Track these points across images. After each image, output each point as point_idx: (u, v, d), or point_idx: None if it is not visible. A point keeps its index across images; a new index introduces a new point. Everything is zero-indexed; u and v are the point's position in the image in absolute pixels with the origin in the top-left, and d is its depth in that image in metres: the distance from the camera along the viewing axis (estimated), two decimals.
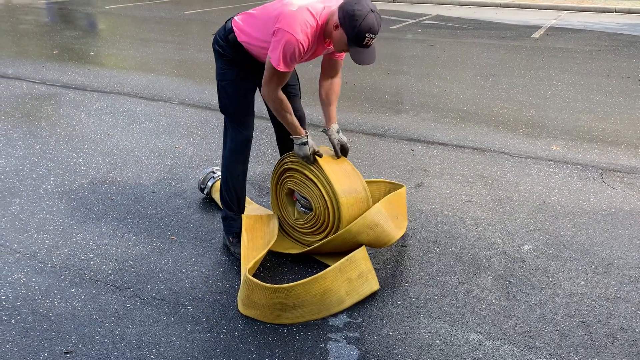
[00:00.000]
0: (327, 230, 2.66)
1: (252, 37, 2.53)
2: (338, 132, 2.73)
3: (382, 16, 2.67)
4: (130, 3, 13.07)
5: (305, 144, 2.58)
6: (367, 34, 2.24)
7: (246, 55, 2.59)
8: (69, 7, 12.30)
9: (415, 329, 2.27)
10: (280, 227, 2.92)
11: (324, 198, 2.61)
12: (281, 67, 2.37)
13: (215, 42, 2.66)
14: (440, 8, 12.88)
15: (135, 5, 12.69)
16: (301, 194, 2.75)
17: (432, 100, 5.53)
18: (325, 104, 2.74)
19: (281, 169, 2.81)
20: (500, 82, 6.27)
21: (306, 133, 2.60)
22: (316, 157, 2.62)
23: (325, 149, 2.75)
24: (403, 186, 2.92)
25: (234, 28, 2.57)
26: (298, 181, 2.74)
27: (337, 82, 2.74)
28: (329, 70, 2.71)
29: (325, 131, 2.74)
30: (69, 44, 8.07)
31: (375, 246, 2.67)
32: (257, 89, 2.80)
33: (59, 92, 5.61)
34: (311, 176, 2.65)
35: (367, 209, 2.64)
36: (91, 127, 4.60)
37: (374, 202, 3.05)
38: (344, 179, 2.63)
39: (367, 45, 2.29)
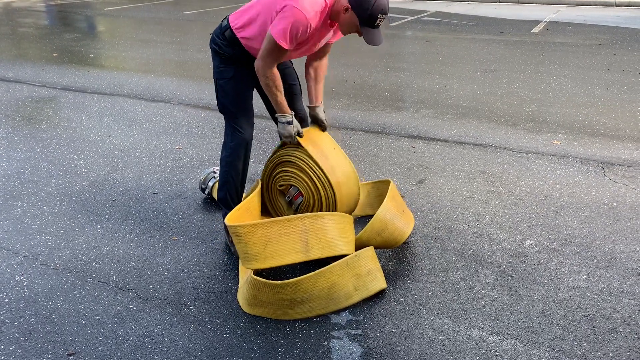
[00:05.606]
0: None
1: (249, 32, 2.50)
2: (324, 112, 2.79)
3: None
4: (129, 4, 13.07)
5: (290, 122, 2.59)
6: (379, 15, 2.32)
7: (243, 52, 2.58)
8: (68, 10, 12.31)
9: (418, 326, 2.27)
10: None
11: (315, 182, 2.62)
12: (283, 43, 2.35)
13: (212, 41, 2.66)
14: (439, 4, 12.86)
15: (134, 7, 12.69)
16: (291, 185, 2.73)
17: (433, 97, 5.52)
18: (314, 81, 2.76)
19: (271, 165, 2.79)
20: (500, 77, 6.25)
21: (292, 112, 2.62)
22: (297, 137, 2.64)
23: (306, 129, 2.77)
24: (389, 180, 2.92)
25: (231, 24, 2.56)
26: (288, 175, 2.72)
27: (325, 62, 2.79)
28: (319, 52, 2.71)
29: (313, 108, 2.76)
30: (69, 47, 8.08)
31: (385, 248, 2.69)
32: (255, 87, 2.79)
33: (59, 95, 5.61)
34: (299, 163, 2.65)
35: (357, 185, 2.72)
36: (92, 129, 4.61)
37: (368, 204, 3.06)
38: (331, 160, 2.67)
39: (378, 26, 2.37)
